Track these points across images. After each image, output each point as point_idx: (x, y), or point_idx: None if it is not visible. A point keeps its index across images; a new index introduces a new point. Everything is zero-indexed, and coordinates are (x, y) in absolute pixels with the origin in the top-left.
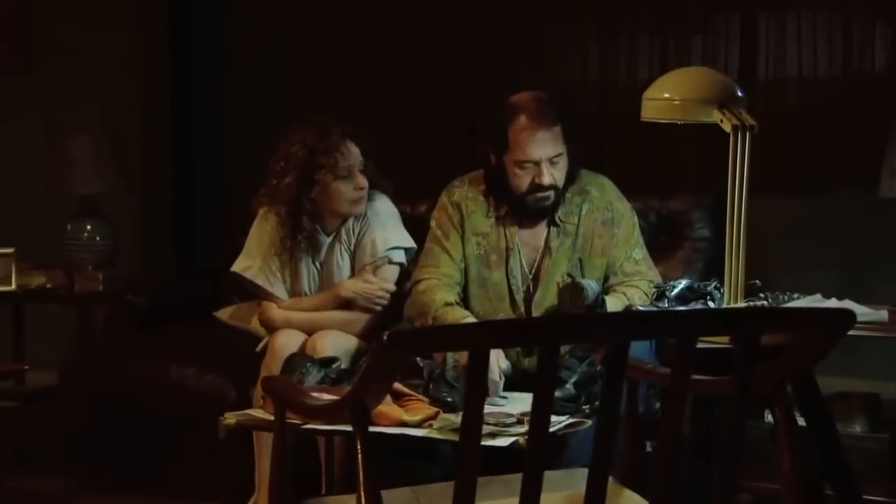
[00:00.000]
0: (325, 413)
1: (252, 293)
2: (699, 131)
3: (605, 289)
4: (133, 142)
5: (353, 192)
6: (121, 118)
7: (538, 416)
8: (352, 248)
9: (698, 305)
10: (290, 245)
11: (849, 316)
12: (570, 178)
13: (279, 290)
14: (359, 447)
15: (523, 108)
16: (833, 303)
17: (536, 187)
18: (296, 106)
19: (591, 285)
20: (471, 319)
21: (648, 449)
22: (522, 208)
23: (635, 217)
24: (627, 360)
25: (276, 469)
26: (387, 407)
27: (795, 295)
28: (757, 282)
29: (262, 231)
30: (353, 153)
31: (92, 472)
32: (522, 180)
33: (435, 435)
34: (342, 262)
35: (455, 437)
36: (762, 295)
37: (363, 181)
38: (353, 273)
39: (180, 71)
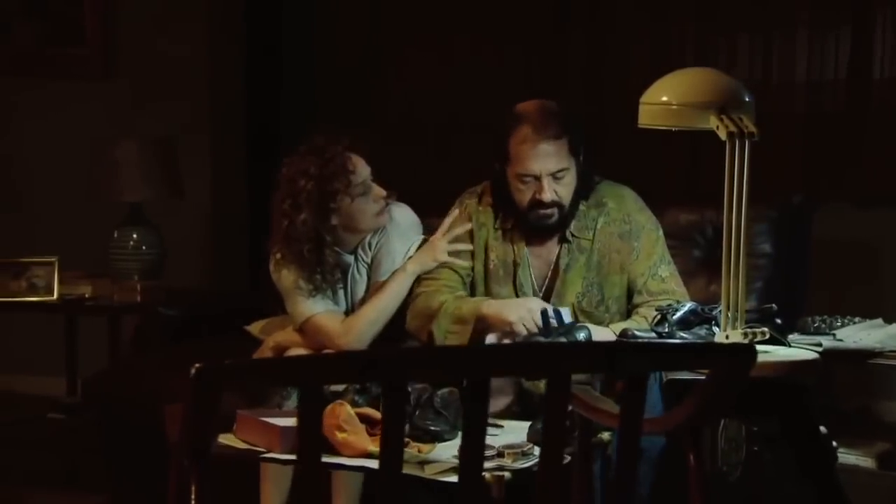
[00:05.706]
0: (175, 450)
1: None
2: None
3: (628, 309)
4: (203, 151)
5: (375, 205)
6: (194, 126)
7: (386, 454)
8: (369, 262)
9: (702, 331)
10: (320, 282)
11: (745, 352)
12: (582, 194)
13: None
14: (192, 489)
15: (526, 118)
16: (893, 329)
17: (537, 203)
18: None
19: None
20: (490, 302)
21: None
22: (526, 224)
23: (660, 230)
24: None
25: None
26: (353, 436)
27: (857, 319)
28: (773, 306)
29: (289, 279)
30: (362, 165)
31: (118, 489)
32: (524, 195)
33: None
34: (359, 278)
35: (417, 472)
36: (778, 321)
37: (380, 190)
38: (368, 289)
39: (271, 76)
